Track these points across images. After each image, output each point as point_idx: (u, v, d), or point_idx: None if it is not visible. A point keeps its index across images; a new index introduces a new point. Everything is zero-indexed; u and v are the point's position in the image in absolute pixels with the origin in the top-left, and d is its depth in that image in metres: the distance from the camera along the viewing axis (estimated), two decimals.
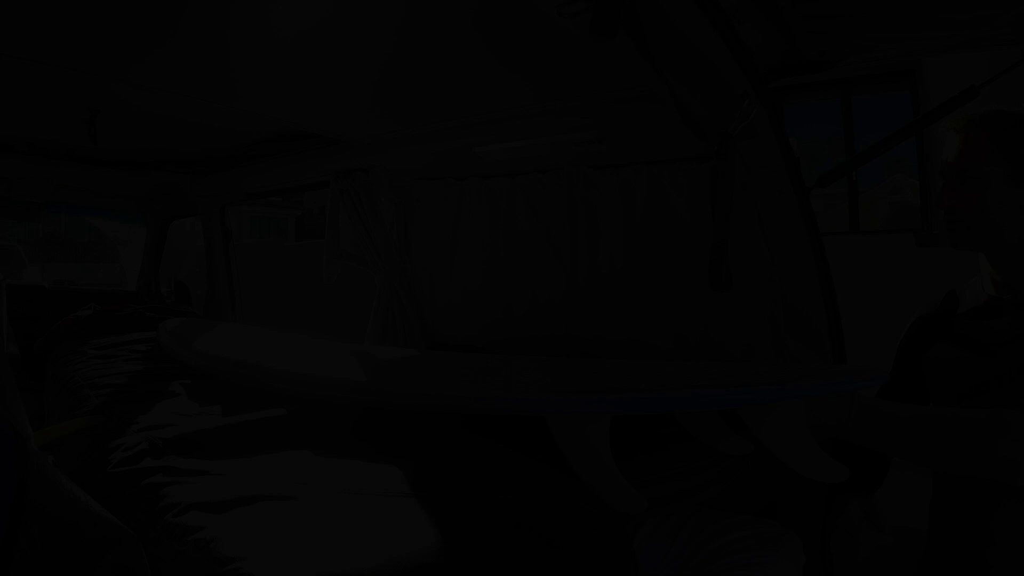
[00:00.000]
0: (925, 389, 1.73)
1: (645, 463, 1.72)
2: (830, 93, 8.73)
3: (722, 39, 1.49)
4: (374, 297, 3.24)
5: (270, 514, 1.21)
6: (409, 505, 1.26)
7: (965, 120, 1.61)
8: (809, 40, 1.96)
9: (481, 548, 1.11)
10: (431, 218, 3.08)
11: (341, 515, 1.21)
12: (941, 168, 1.65)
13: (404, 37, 1.69)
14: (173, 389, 2.15)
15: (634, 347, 2.38)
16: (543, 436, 1.33)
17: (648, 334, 2.35)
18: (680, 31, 1.40)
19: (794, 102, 9.06)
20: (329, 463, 1.51)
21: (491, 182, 2.77)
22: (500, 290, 2.82)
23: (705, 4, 1.43)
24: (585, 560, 1.16)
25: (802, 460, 1.33)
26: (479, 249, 2.88)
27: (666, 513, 1.94)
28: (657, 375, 1.44)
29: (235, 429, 1.72)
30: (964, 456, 1.35)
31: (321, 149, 3.06)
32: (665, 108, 1.58)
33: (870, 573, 1.97)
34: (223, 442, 1.61)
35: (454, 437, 1.65)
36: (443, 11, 1.22)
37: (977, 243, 1.61)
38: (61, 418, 2.10)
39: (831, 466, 1.32)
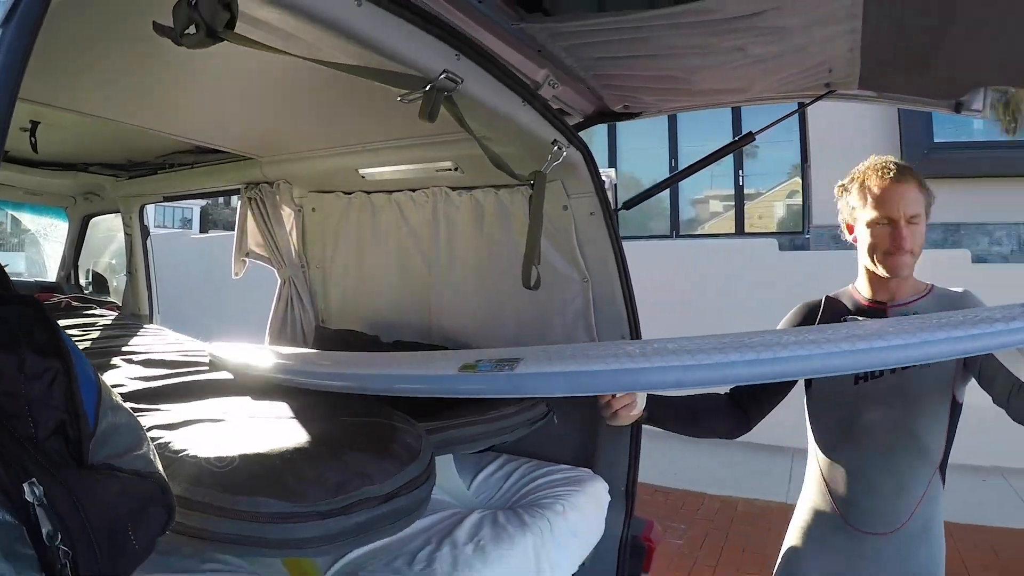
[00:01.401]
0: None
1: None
2: None
3: (532, 107, 2.09)
4: (275, 291, 3.64)
5: (204, 429, 1.76)
6: (287, 423, 1.84)
7: (899, 169, 2.06)
8: (612, 99, 2.62)
9: (314, 443, 1.67)
10: (324, 224, 3.47)
11: (246, 429, 1.77)
12: (884, 217, 2.02)
13: (304, 81, 2.17)
14: (115, 363, 2.70)
15: (483, 336, 2.90)
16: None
17: (494, 325, 2.88)
18: (493, 108, 1.94)
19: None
20: (245, 402, 2.08)
21: (372, 197, 3.24)
22: (380, 287, 3.29)
23: (517, 88, 2.03)
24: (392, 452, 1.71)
25: None
26: (363, 252, 3.33)
27: (503, 461, 2.58)
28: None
29: (176, 387, 2.28)
30: None
31: (233, 162, 3.47)
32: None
33: None
34: (168, 394, 2.16)
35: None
36: (334, 73, 1.73)
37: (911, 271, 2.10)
38: None
39: None
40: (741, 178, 10.77)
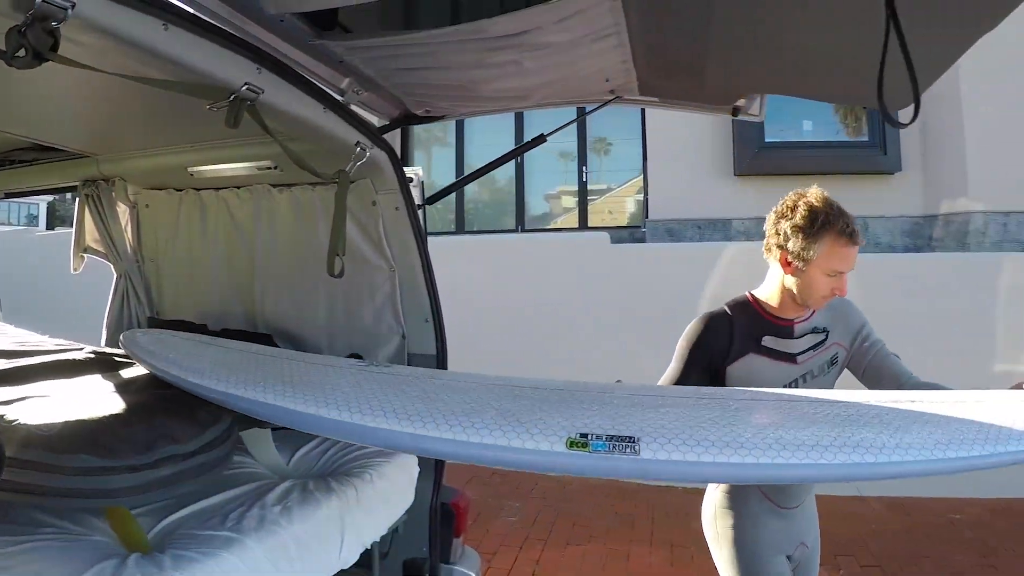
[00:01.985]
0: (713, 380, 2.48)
1: None
2: None
3: (334, 113, 2.40)
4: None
5: (35, 404, 2.09)
6: (108, 396, 2.17)
7: (855, 231, 2.34)
8: (414, 104, 3.01)
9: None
10: (157, 220, 3.64)
11: (70, 402, 2.10)
12: (835, 272, 2.34)
13: (134, 85, 2.28)
14: None
15: (300, 320, 3.22)
16: None
17: (311, 311, 3.18)
18: (296, 114, 2.23)
19: None
20: (72, 381, 2.42)
21: (202, 194, 3.44)
22: (209, 279, 3.50)
23: (318, 96, 2.33)
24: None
25: None
26: (193, 247, 3.53)
27: (321, 439, 2.85)
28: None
29: (11, 371, 2.58)
30: None
31: (72, 160, 3.60)
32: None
33: None
34: (4, 379, 2.46)
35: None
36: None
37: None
38: None
39: None
40: (585, 174, 11.29)
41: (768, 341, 2.51)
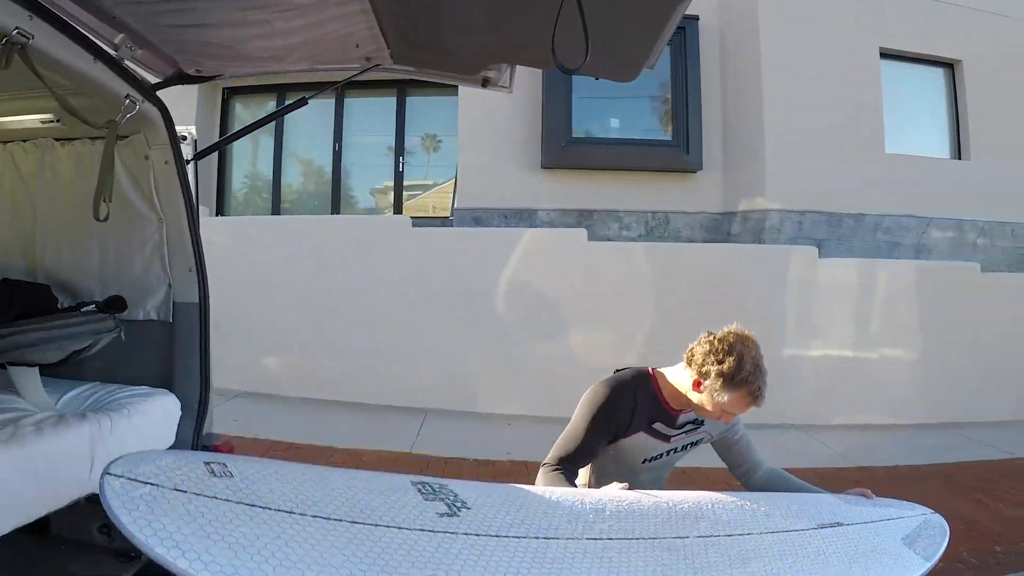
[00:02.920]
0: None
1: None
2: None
3: (104, 64, 2.64)
4: None
5: None
6: None
7: (763, 395, 2.70)
8: (185, 63, 3.28)
9: None
10: None
11: None
12: (732, 413, 2.76)
13: None
14: None
15: (75, 268, 3.40)
16: None
17: (86, 260, 3.38)
18: (67, 63, 2.47)
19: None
20: None
21: None
22: None
23: (88, 46, 2.57)
24: None
25: None
26: None
27: (91, 385, 3.14)
28: None
29: None
30: None
31: None
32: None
33: None
34: None
35: None
36: None
37: None
38: None
39: None
40: (401, 164, 11.77)
41: (657, 425, 2.94)
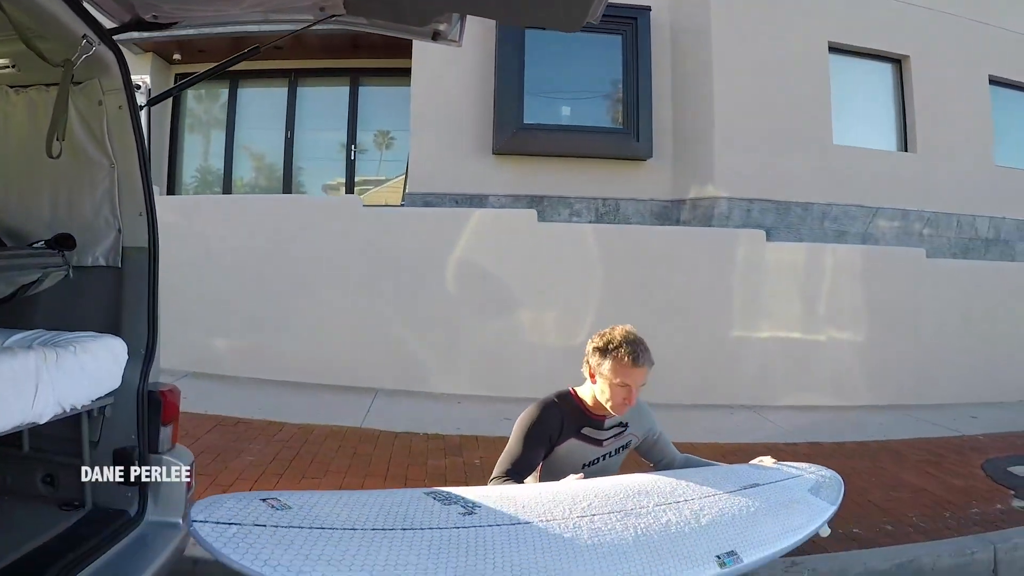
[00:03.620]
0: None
1: None
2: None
3: (65, 3, 2.69)
4: None
5: None
6: None
7: (640, 355, 3.22)
8: (142, 7, 3.32)
9: None
10: None
11: None
12: (620, 383, 3.22)
13: None
14: None
15: (27, 219, 3.41)
16: None
17: (37, 205, 3.40)
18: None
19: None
20: None
21: None
22: None
23: None
24: None
25: None
26: None
27: (41, 332, 3.16)
28: None
29: None
30: None
31: None
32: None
33: None
34: None
35: None
36: None
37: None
38: None
39: None
40: (353, 153, 11.89)
41: (586, 430, 3.40)
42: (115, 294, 3.31)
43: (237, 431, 6.27)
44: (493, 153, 10.35)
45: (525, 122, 10.21)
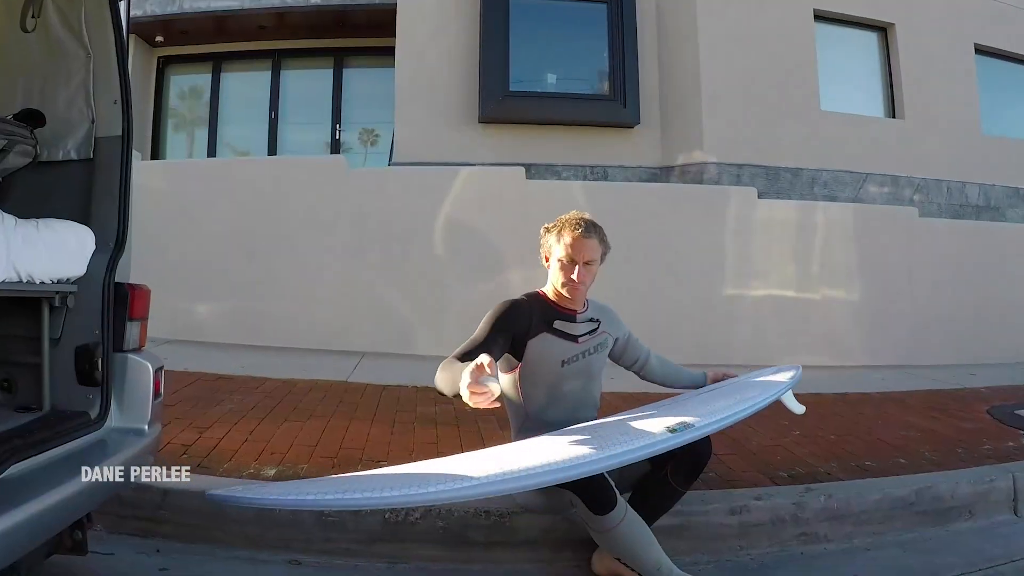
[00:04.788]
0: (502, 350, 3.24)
1: None
2: None
3: None
4: None
5: None
6: None
7: (586, 227, 3.25)
8: None
9: None
10: None
11: None
12: (569, 259, 3.24)
13: None
14: None
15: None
16: None
17: (9, 101, 3.21)
18: None
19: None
20: None
21: None
22: None
23: None
24: None
25: None
26: None
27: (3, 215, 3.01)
28: None
29: None
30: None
31: None
32: None
33: None
34: None
35: None
36: None
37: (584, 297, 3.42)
38: None
39: None
40: (338, 132, 11.80)
41: (558, 324, 3.37)
42: (85, 189, 3.16)
43: (218, 385, 6.14)
44: (479, 121, 10.26)
45: (511, 89, 10.09)
